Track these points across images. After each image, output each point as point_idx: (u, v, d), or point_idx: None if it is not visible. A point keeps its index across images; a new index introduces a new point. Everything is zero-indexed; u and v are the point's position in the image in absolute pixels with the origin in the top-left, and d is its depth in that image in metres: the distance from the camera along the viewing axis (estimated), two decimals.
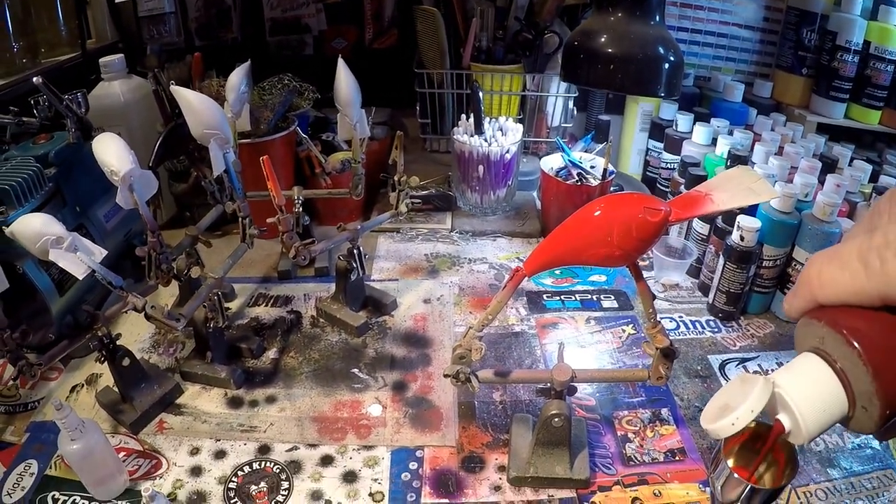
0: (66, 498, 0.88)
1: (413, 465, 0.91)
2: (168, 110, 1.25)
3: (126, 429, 0.97)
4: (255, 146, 1.26)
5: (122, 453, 0.93)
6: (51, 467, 0.91)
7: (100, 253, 0.86)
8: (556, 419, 0.84)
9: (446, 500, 0.86)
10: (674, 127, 1.45)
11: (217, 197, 1.12)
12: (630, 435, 0.97)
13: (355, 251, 1.13)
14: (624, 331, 1.17)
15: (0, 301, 0.91)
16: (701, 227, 1.25)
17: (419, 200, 1.43)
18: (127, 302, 0.89)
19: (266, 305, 1.24)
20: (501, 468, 0.90)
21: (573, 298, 1.25)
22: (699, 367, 1.09)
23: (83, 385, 1.05)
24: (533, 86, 1.60)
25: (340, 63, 1.08)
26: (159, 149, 1.00)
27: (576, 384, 0.85)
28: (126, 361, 0.97)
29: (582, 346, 1.13)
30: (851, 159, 1.36)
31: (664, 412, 1.00)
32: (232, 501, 0.86)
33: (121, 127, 1.26)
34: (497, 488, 0.88)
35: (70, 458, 0.83)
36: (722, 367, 1.09)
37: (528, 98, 1.63)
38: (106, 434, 0.95)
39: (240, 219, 1.07)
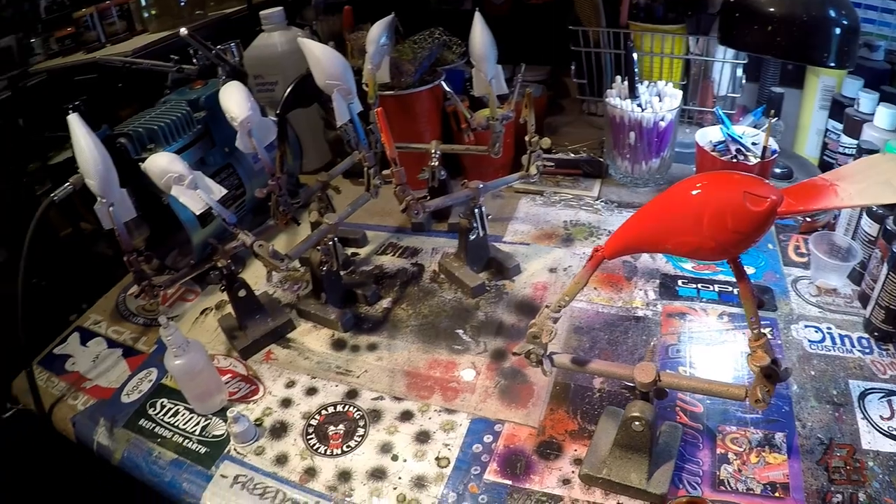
0: (173, 406, 0.96)
1: (488, 439, 0.87)
2: None
3: (237, 353, 1.03)
4: (399, 99, 1.25)
5: (228, 375, 0.99)
6: (166, 377, 1.00)
7: (219, 191, 0.91)
8: (637, 423, 0.75)
9: (509, 482, 0.81)
10: (855, 106, 1.23)
11: (353, 145, 1.13)
12: (731, 455, 0.83)
13: (476, 211, 1.09)
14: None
15: (147, 227, 1.00)
16: (869, 227, 1.06)
17: (552, 164, 1.35)
18: (238, 238, 0.93)
19: (393, 255, 1.24)
20: (577, 461, 0.83)
21: (711, 289, 1.10)
22: (835, 392, 0.90)
23: (213, 309, 1.13)
24: (697, 49, 1.41)
25: (476, 17, 1.04)
26: (288, 97, 1.03)
27: (665, 389, 0.76)
28: (242, 293, 1.02)
29: (707, 345, 0.99)
30: None
31: (778, 437, 0.84)
32: (309, 437, 0.89)
33: (277, 76, 1.32)
34: (566, 482, 0.81)
35: (173, 372, 0.90)
36: (862, 396, 0.90)
37: (693, 62, 1.46)
38: (219, 355, 1.03)
39: (365, 168, 1.07)
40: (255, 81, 1.38)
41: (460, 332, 1.05)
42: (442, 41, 1.29)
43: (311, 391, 0.96)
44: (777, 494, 0.78)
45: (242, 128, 0.93)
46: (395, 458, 0.85)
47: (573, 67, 1.57)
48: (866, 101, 1.20)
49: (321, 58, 0.94)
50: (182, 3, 1.43)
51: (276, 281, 1.17)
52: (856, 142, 1.18)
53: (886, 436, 0.84)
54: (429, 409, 0.92)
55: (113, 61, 1.28)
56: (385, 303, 1.12)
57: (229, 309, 1.07)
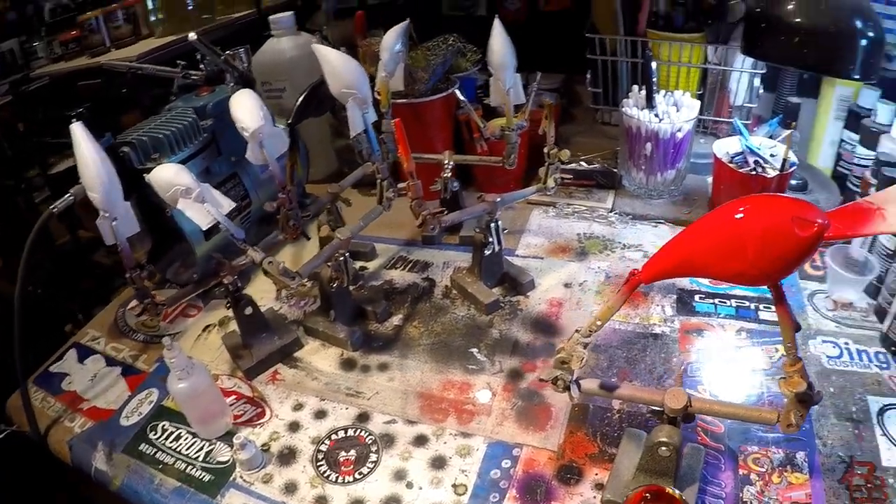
0: (175, 430, 0.90)
1: (506, 464, 0.81)
2: None
3: (242, 373, 0.97)
4: (412, 107, 1.20)
5: (233, 397, 0.93)
6: (167, 399, 0.94)
7: (228, 205, 0.85)
8: (664, 448, 0.70)
9: None
10: (872, 117, 1.19)
11: (365, 156, 1.08)
12: (753, 476, 0.80)
13: (492, 225, 1.04)
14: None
15: (150, 239, 0.93)
16: (888, 240, 1.01)
17: (570, 176, 1.30)
18: (246, 255, 0.88)
19: (403, 269, 1.18)
20: (599, 486, 0.78)
21: (728, 304, 1.06)
22: (854, 409, 0.87)
23: (216, 326, 1.07)
24: (715, 58, 1.36)
25: (496, 23, 0.99)
26: (300, 106, 0.98)
27: (693, 413, 0.71)
28: (248, 310, 0.96)
29: (725, 362, 0.95)
30: None
31: (800, 457, 0.82)
32: (318, 464, 0.83)
33: (285, 82, 1.27)
34: None
35: (176, 395, 0.85)
36: (881, 412, 0.87)
37: (710, 72, 1.41)
38: (223, 375, 0.97)
39: (378, 180, 1.02)
40: (263, 88, 1.33)
41: (474, 351, 0.99)
42: (456, 48, 1.24)
43: (320, 414, 0.90)
44: None
45: (254, 138, 0.87)
46: (409, 485, 0.79)
47: (588, 76, 1.51)
48: (884, 111, 1.15)
49: (337, 65, 0.89)
50: (190, 7, 1.38)
51: (280, 296, 1.11)
52: (872, 153, 1.14)
53: None
54: (444, 432, 0.86)
55: (118, 66, 1.23)
56: (396, 320, 1.06)
57: (233, 326, 1.01)
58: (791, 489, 0.78)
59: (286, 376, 0.97)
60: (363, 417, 0.89)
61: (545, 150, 1.05)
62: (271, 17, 1.30)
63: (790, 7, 1.05)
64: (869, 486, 0.78)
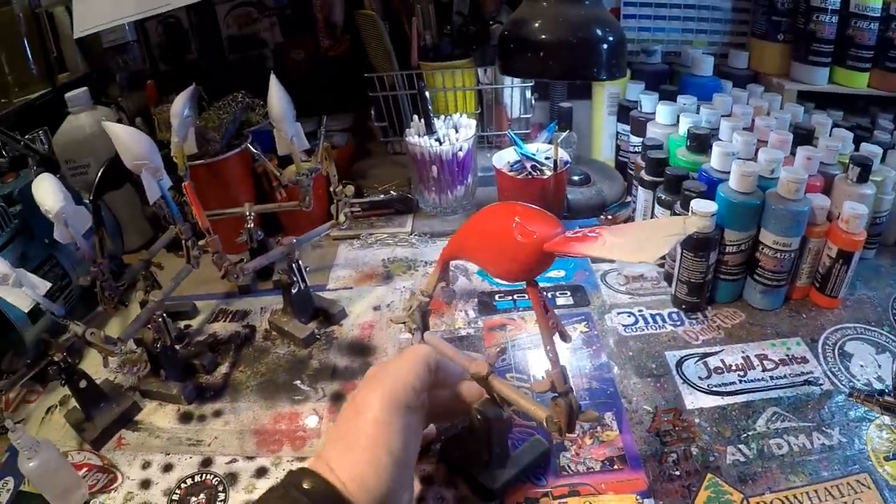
0: None
1: None
2: None
3: (89, 445, 1.08)
4: (209, 167, 1.35)
5: (85, 469, 1.04)
6: (25, 484, 1.03)
7: (43, 286, 0.97)
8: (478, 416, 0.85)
9: None
10: (638, 108, 1.45)
11: (169, 220, 1.21)
12: (566, 443, 0.95)
13: (294, 265, 1.21)
14: (575, 328, 1.17)
15: None
16: (661, 214, 1.24)
17: (358, 209, 1.49)
18: (70, 330, 1.00)
19: (225, 321, 1.33)
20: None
21: (526, 297, 1.26)
22: (653, 366, 1.08)
23: (57, 406, 1.17)
24: (486, 78, 1.63)
25: (272, 79, 1.16)
26: (99, 182, 1.10)
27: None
28: (83, 384, 1.07)
29: (529, 348, 1.15)
30: (833, 127, 1.30)
31: (608, 416, 0.99)
32: None
33: (89, 157, 1.37)
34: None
35: (29, 475, 0.94)
36: (679, 364, 1.07)
37: (484, 92, 1.67)
38: (72, 451, 1.08)
39: (183, 241, 1.15)
40: (68, 167, 1.43)
41: (298, 382, 1.15)
42: (245, 104, 1.41)
43: (168, 467, 1.03)
44: (616, 466, 0.91)
45: (58, 219, 1.00)
46: None
47: (373, 112, 1.75)
48: (647, 101, 1.41)
49: (126, 139, 1.02)
50: None
51: (114, 366, 1.23)
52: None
53: (706, 393, 1.02)
54: (281, 461, 1.01)
55: None
56: (223, 368, 1.21)
57: (74, 403, 1.12)
58: (604, 446, 0.95)
59: (130, 440, 1.09)
60: (206, 462, 1.02)
61: (331, 189, 1.25)
62: (67, 95, 1.40)
63: (535, 27, 1.27)
64: (677, 428, 0.96)
